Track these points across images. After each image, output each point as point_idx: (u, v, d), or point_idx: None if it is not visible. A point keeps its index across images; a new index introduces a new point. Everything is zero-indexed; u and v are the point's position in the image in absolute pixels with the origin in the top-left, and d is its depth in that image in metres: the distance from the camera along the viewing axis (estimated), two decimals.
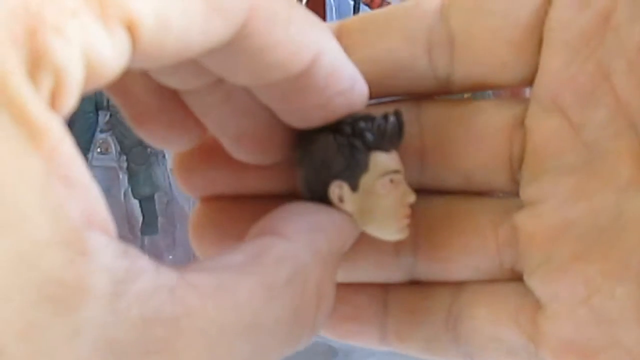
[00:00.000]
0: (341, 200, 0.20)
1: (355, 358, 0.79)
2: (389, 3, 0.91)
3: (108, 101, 0.94)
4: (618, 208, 0.19)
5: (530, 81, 0.20)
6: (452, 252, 0.21)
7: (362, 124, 0.19)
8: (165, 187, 0.96)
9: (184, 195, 0.97)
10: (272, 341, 0.16)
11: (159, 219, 0.95)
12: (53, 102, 0.13)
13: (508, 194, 0.21)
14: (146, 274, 0.14)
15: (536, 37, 0.19)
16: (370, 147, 0.20)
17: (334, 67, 0.18)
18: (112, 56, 0.13)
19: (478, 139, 0.21)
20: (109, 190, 0.97)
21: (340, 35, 0.20)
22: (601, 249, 0.19)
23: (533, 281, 0.20)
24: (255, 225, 0.18)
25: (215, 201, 0.22)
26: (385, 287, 0.22)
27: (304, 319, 0.17)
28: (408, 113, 0.21)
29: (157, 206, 0.95)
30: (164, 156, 0.95)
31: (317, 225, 0.18)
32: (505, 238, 0.21)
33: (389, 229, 0.20)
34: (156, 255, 1.01)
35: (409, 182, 0.21)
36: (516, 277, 0.21)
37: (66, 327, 0.12)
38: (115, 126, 0.95)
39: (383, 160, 0.20)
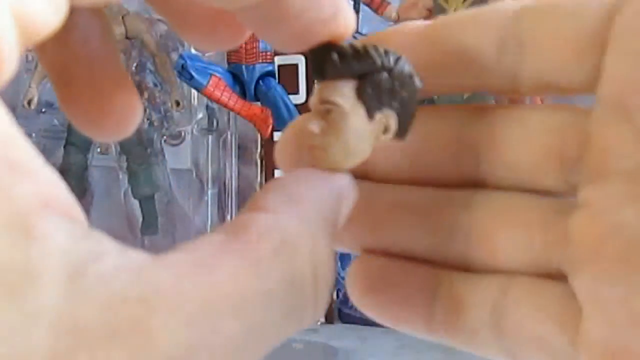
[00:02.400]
0: None
1: (356, 358, 0.79)
2: (389, 3, 0.91)
3: None
4: None
5: (590, 87, 0.20)
6: (500, 244, 0.22)
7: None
8: (165, 187, 0.96)
9: (184, 195, 0.97)
10: (267, 318, 0.15)
11: (159, 219, 0.95)
12: None
13: (559, 194, 0.22)
14: (108, 255, 0.13)
15: (600, 43, 0.20)
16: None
17: None
18: (46, 10, 0.13)
19: (530, 139, 0.21)
20: (109, 190, 0.96)
21: (426, 30, 0.21)
22: None
23: (577, 283, 0.20)
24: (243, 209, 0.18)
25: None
26: (436, 275, 0.22)
27: (301, 291, 0.16)
28: (471, 111, 0.22)
29: (157, 206, 0.95)
30: (164, 156, 0.95)
31: (299, 195, 0.18)
32: (555, 237, 0.21)
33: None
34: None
35: (466, 176, 0.22)
36: (563, 278, 0.21)
37: (22, 313, 0.12)
38: None
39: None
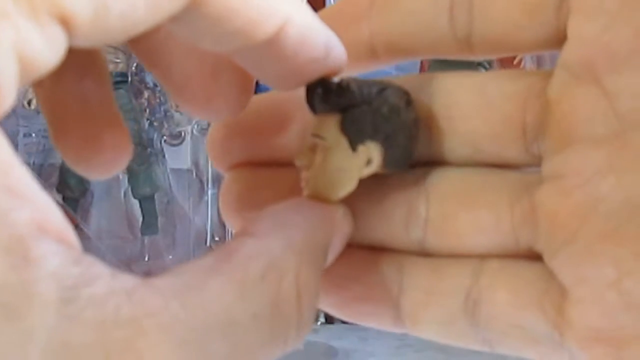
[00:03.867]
0: None
1: (356, 358, 0.79)
2: None
3: None
4: None
5: (550, 45, 0.19)
6: (462, 228, 0.21)
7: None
8: (165, 187, 0.96)
9: (184, 195, 0.97)
10: (253, 340, 0.15)
11: (159, 219, 0.95)
12: None
13: (522, 166, 0.20)
14: (100, 279, 0.13)
15: (557, 2, 0.19)
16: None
17: (304, 35, 0.18)
18: (45, 50, 0.13)
19: (487, 107, 0.20)
20: (109, 190, 0.96)
21: None
22: (633, 228, 0.18)
23: (556, 263, 0.19)
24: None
25: (240, 170, 0.22)
26: (399, 266, 0.21)
27: (285, 314, 0.16)
28: (420, 83, 0.21)
29: (157, 206, 0.95)
30: (164, 156, 0.95)
31: (289, 221, 0.18)
32: (522, 215, 0.20)
33: None
34: (156, 255, 1.01)
35: (420, 153, 0.21)
36: (536, 259, 0.20)
37: (16, 333, 0.12)
38: None
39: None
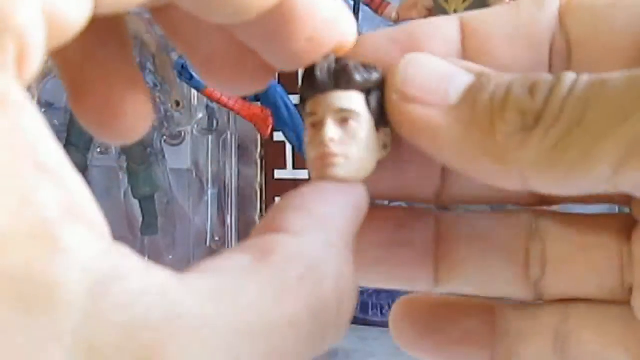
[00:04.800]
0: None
1: (356, 358, 0.79)
2: (389, 3, 0.91)
3: None
4: None
5: (614, 299, 0.20)
6: (579, 268, 0.21)
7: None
8: (165, 187, 0.96)
9: (184, 195, 0.97)
10: (290, 345, 0.14)
11: (159, 219, 0.95)
12: (17, 68, 0.12)
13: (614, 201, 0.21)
14: (133, 274, 0.12)
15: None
16: (304, 99, 0.20)
17: (311, 2, 0.17)
18: (73, 11, 0.13)
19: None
20: (109, 190, 0.96)
21: (464, 35, 0.20)
22: None
23: (636, 302, 0.20)
24: (259, 224, 0.17)
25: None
26: (491, 307, 0.22)
27: (325, 318, 0.15)
28: None
29: (157, 206, 0.95)
30: (163, 156, 0.95)
31: (322, 214, 0.17)
32: (629, 257, 0.20)
33: (316, 170, 0.20)
34: (156, 255, 1.01)
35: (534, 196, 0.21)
36: (623, 300, 0.20)
37: (39, 330, 0.11)
38: None
39: (307, 106, 0.20)
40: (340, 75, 0.19)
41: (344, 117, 0.20)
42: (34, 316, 0.11)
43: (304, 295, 0.15)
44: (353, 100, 0.20)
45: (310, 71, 0.19)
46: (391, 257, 0.22)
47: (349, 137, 0.19)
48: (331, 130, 0.19)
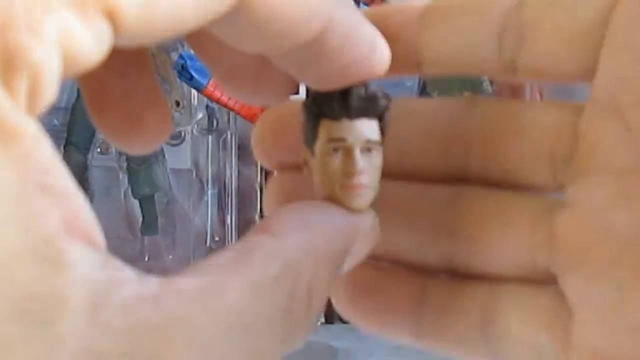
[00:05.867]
0: (306, 163, 0.20)
1: (356, 358, 0.79)
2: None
3: None
4: None
5: (585, 77, 0.20)
6: (487, 244, 0.21)
7: (318, 93, 0.20)
8: (165, 187, 0.96)
9: (184, 195, 0.97)
10: (267, 343, 0.15)
11: (159, 219, 0.95)
12: (30, 101, 0.12)
13: (550, 190, 0.21)
14: (129, 284, 0.13)
15: (596, 37, 0.19)
16: (319, 115, 0.20)
17: (348, 34, 0.17)
18: (91, 46, 0.13)
19: (522, 135, 0.21)
20: (109, 190, 0.96)
21: (426, 11, 0.21)
22: (639, 256, 0.18)
23: (566, 284, 0.20)
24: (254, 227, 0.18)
25: (287, 171, 0.22)
26: (423, 281, 0.22)
27: (295, 318, 0.16)
28: (462, 106, 0.22)
29: (157, 206, 0.95)
30: (164, 156, 0.95)
31: (313, 223, 0.18)
32: (542, 237, 0.20)
33: (336, 196, 0.20)
34: (156, 255, 1.01)
35: (453, 170, 0.21)
36: (552, 281, 0.20)
37: (45, 341, 0.12)
38: None
39: (329, 128, 0.20)
40: (370, 104, 0.20)
41: (369, 147, 0.20)
42: (43, 329, 0.12)
43: (279, 296, 0.16)
44: (375, 130, 0.20)
45: (342, 95, 0.20)
46: None
47: (371, 167, 0.20)
48: (361, 161, 0.20)
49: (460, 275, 0.22)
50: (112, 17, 0.13)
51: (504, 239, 0.21)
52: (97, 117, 0.19)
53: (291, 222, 0.17)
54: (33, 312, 0.12)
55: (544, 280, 0.21)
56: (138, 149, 0.20)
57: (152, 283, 0.14)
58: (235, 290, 0.15)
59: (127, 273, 0.13)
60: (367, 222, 0.20)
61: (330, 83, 0.19)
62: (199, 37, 0.19)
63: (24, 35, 0.12)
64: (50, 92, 0.13)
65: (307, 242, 0.17)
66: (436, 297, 0.22)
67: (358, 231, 0.19)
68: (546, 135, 0.21)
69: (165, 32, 0.14)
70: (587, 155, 0.20)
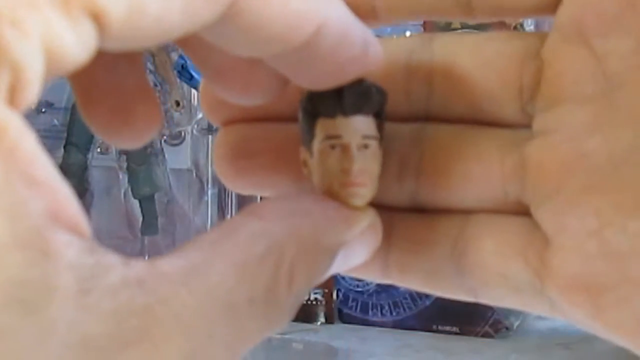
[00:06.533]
0: (305, 164, 0.20)
1: (356, 358, 0.79)
2: None
3: None
4: (635, 142, 0.18)
5: (549, 10, 0.20)
6: (454, 179, 0.21)
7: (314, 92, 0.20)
8: (165, 187, 0.96)
9: (184, 195, 0.97)
10: (250, 323, 0.15)
11: (159, 219, 0.95)
12: (12, 97, 0.13)
13: (517, 126, 0.21)
14: (114, 268, 0.14)
15: None
16: (315, 114, 0.20)
17: (341, 35, 0.17)
18: (75, 46, 0.13)
19: (485, 67, 0.21)
20: (109, 190, 0.96)
21: None
22: (615, 182, 0.18)
23: (541, 213, 0.19)
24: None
25: (235, 126, 0.22)
26: (390, 218, 0.22)
27: (277, 299, 0.16)
28: (421, 42, 0.21)
29: (157, 206, 0.95)
30: (164, 156, 0.95)
31: (301, 210, 0.18)
32: (512, 168, 0.20)
33: (335, 193, 0.20)
34: (156, 255, 1.01)
35: (416, 108, 0.21)
36: (524, 211, 0.20)
37: (36, 328, 0.12)
38: None
39: (326, 126, 0.20)
40: (365, 100, 0.20)
41: (365, 144, 0.20)
42: (32, 316, 0.12)
43: (262, 276, 0.16)
44: (372, 126, 0.20)
45: (336, 93, 0.20)
46: None
47: (368, 164, 0.20)
48: (358, 159, 0.20)
49: (429, 212, 0.22)
50: (97, 19, 0.13)
51: (473, 172, 0.21)
52: (87, 111, 0.19)
53: (277, 206, 0.18)
54: (23, 299, 0.12)
55: (516, 212, 0.20)
56: (129, 143, 0.20)
57: (138, 267, 0.14)
58: (219, 269, 0.15)
59: (112, 258, 0.14)
60: (366, 219, 0.20)
61: (324, 83, 0.19)
62: (187, 38, 0.19)
63: (7, 31, 0.12)
64: (32, 90, 0.13)
65: (291, 225, 0.17)
66: (404, 232, 0.21)
67: (354, 226, 0.19)
68: (512, 65, 0.20)
69: (153, 37, 0.14)
70: (554, 84, 0.19)
